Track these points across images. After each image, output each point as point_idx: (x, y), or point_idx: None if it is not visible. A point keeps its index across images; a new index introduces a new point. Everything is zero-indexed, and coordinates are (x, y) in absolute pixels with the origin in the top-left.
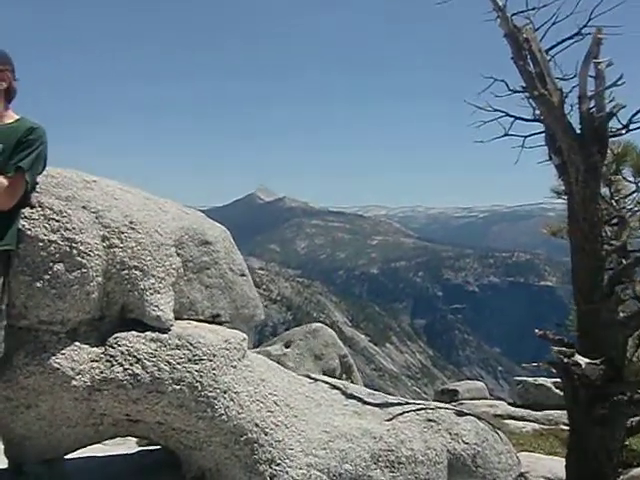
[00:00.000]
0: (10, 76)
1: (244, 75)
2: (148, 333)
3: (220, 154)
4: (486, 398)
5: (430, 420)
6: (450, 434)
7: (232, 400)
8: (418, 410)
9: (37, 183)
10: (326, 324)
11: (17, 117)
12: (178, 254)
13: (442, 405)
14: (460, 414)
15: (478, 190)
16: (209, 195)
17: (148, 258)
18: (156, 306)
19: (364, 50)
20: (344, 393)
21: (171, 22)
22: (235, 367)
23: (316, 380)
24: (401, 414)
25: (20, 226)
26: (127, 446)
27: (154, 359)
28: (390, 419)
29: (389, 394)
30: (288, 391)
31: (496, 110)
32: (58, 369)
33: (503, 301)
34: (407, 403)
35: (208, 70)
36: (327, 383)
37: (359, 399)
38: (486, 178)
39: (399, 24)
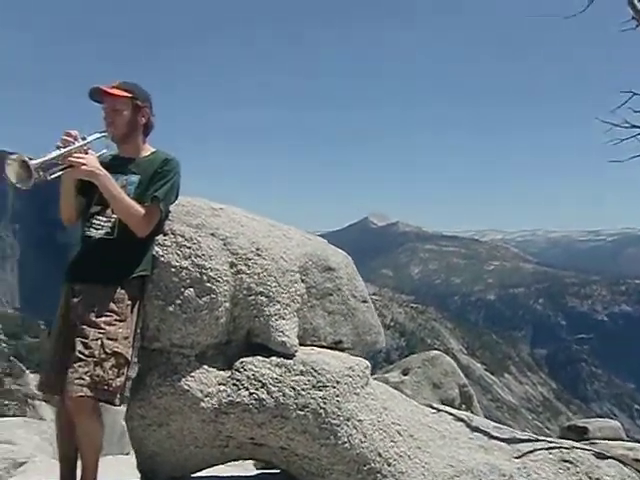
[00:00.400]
0: (148, 112)
1: (360, 103)
2: (273, 358)
3: (333, 179)
4: (622, 439)
5: (566, 461)
6: (590, 479)
7: (355, 428)
8: (551, 448)
9: (170, 211)
10: (440, 351)
11: (153, 150)
12: (302, 280)
13: (578, 445)
14: (600, 456)
15: (605, 212)
16: (323, 220)
17: (274, 284)
18: (281, 332)
19: (474, 80)
20: (469, 425)
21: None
22: (358, 394)
23: (439, 410)
24: (532, 451)
25: (154, 252)
26: (244, 468)
27: (279, 384)
28: (520, 456)
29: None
30: (411, 421)
31: (634, 126)
32: (188, 391)
33: (637, 331)
34: (537, 440)
35: (323, 97)
36: (450, 414)
37: (485, 433)
38: (614, 199)
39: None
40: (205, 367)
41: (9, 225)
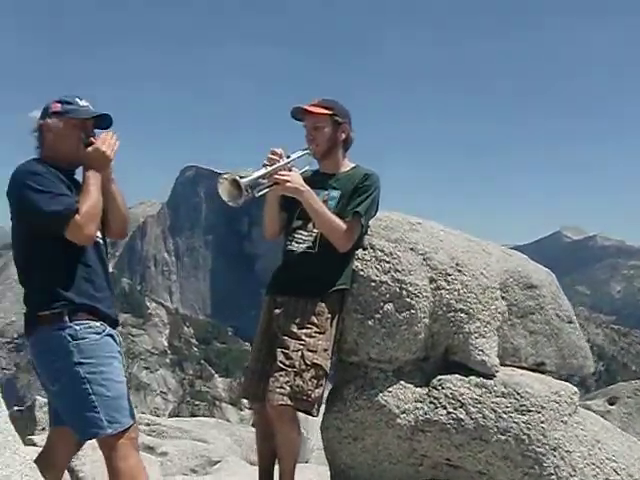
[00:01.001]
0: (348, 128)
1: (544, 112)
2: (472, 378)
3: (522, 191)
4: None
5: None
6: None
7: (563, 459)
8: None
9: (369, 226)
10: None
11: (353, 165)
12: (503, 297)
13: None
14: None
15: None
16: (512, 233)
17: (474, 301)
18: (481, 350)
19: None
20: None
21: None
22: (565, 423)
23: None
24: None
25: (354, 267)
26: None
27: (479, 405)
28: None
29: None
30: (630, 459)
31: None
32: (385, 406)
33: None
34: None
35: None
36: None
37: None
38: None
39: None
40: (402, 383)
41: (202, 237)
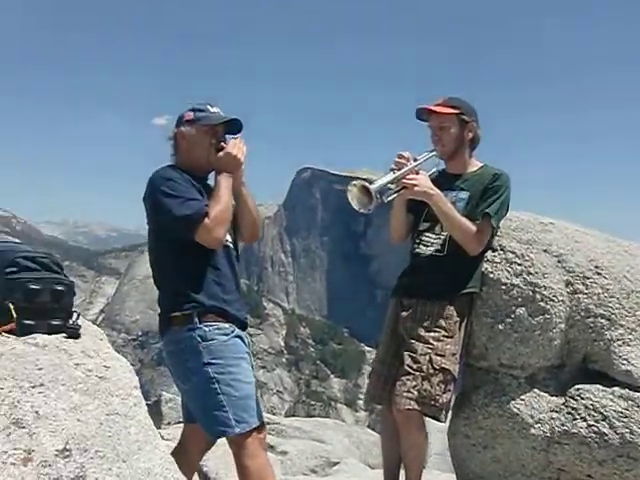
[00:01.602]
0: (475, 126)
1: None
2: (616, 389)
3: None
4: None
5: None
6: None
7: None
8: None
9: (499, 227)
10: None
11: (480, 164)
12: None
13: None
14: None
15: None
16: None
17: (616, 306)
18: (625, 359)
19: None
20: None
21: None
22: None
23: None
24: None
25: (483, 269)
26: None
27: (624, 419)
28: None
29: None
30: None
31: None
32: (517, 414)
33: None
34: None
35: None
36: None
37: None
38: None
39: None
40: (536, 391)
41: (318, 238)
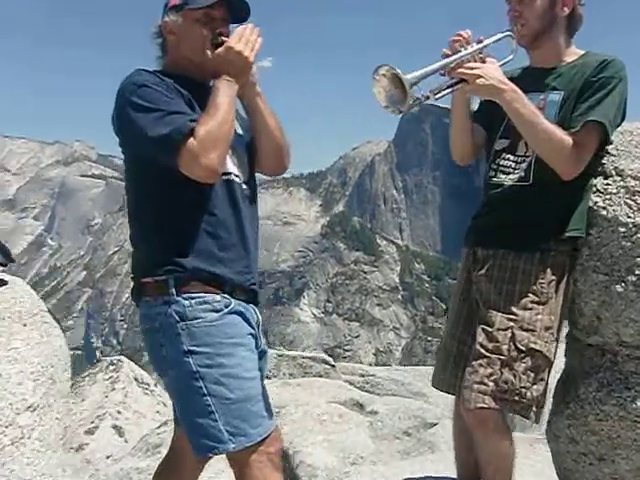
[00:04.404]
0: (575, 1)
1: None
2: None
3: None
4: None
5: None
6: None
7: None
8: None
9: (612, 141)
10: None
11: (581, 52)
12: None
13: None
14: None
15: None
16: None
17: None
18: None
19: None
20: None
21: None
22: None
23: None
24: None
25: (591, 204)
26: None
27: None
28: None
29: None
30: None
31: None
32: None
33: None
34: None
35: None
36: None
37: None
38: None
39: None
40: None
41: (430, 173)
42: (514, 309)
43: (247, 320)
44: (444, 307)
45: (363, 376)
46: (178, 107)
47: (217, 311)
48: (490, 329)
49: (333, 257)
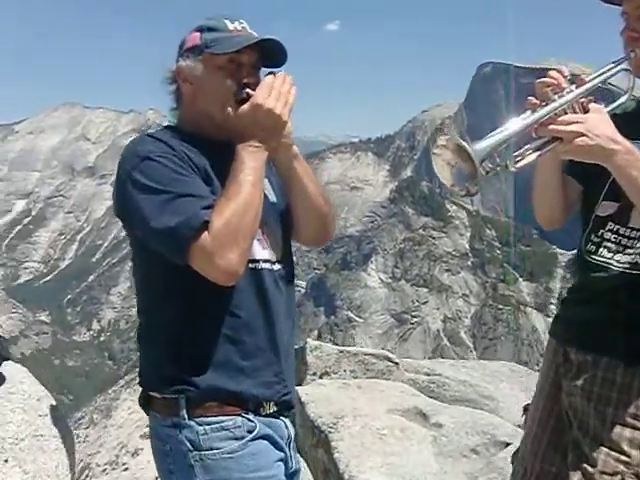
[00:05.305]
0: None
1: None
2: None
3: None
4: None
5: None
6: None
7: None
8: None
9: None
10: None
11: None
12: None
13: None
14: None
15: None
16: None
17: None
18: None
19: None
20: None
21: None
22: None
23: None
24: None
25: None
26: None
27: None
28: None
29: None
30: None
31: None
32: None
33: None
34: None
35: None
36: None
37: None
38: None
39: None
40: None
41: None
42: (625, 447)
43: (276, 443)
44: (516, 275)
45: (428, 375)
46: (190, 187)
47: (237, 439)
48: (591, 470)
49: (401, 222)
